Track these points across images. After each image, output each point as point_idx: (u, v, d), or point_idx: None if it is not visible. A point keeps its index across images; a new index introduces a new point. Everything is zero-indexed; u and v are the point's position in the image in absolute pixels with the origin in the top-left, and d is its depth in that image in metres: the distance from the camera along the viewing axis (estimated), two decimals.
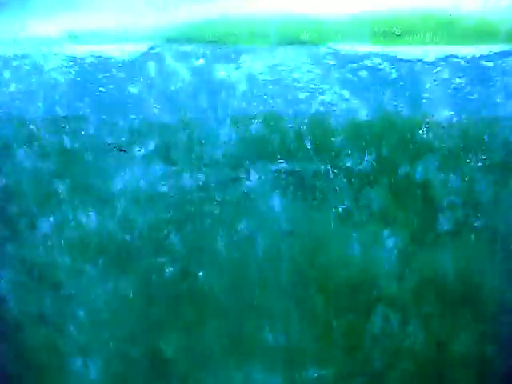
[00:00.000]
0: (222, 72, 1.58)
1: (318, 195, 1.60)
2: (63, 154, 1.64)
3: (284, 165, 1.59)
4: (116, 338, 1.71)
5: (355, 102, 1.55)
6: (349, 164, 1.58)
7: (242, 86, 1.58)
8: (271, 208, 1.61)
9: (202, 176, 1.61)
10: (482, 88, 1.53)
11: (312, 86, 1.56)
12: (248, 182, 1.61)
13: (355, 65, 1.54)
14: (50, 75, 1.61)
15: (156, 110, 1.60)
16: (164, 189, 1.63)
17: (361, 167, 1.58)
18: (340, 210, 1.60)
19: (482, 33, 1.51)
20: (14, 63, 1.62)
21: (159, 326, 1.70)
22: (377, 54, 1.53)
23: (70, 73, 1.61)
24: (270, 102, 1.57)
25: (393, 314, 1.63)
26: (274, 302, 1.66)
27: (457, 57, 1.52)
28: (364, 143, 1.56)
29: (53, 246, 1.68)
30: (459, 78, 1.53)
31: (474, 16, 1.52)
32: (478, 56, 1.52)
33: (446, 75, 1.53)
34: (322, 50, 1.55)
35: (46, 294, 1.71)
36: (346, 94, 1.55)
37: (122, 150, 1.63)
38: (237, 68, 1.58)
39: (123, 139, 1.62)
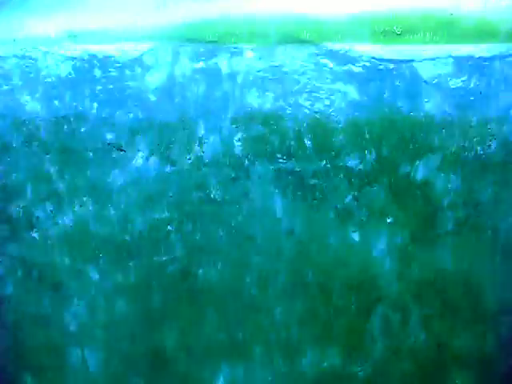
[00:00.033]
0: (222, 71, 1.58)
1: (318, 195, 1.60)
2: (63, 153, 1.64)
3: (284, 164, 1.59)
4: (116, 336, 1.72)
5: (355, 102, 1.55)
6: (349, 163, 1.57)
7: (242, 86, 1.58)
8: (271, 207, 1.61)
9: (201, 175, 1.61)
10: (482, 87, 1.53)
11: (312, 85, 1.56)
12: (248, 182, 1.61)
13: (356, 64, 1.54)
14: (49, 75, 1.61)
15: (156, 109, 1.60)
16: (163, 188, 1.63)
17: (361, 166, 1.57)
18: (340, 209, 1.60)
19: (482, 32, 1.51)
20: (14, 63, 1.62)
21: (159, 325, 1.70)
22: (377, 53, 1.53)
23: (70, 72, 1.61)
24: (270, 101, 1.57)
25: (392, 314, 1.63)
26: (274, 301, 1.65)
27: (457, 56, 1.52)
28: (364, 142, 1.56)
29: (51, 245, 1.68)
30: (460, 77, 1.53)
31: (474, 16, 1.52)
32: (477, 55, 1.52)
33: (446, 74, 1.53)
34: (323, 49, 1.55)
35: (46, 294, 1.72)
36: (347, 93, 1.55)
37: (121, 150, 1.63)
38: (237, 68, 1.57)
39: (123, 138, 1.61)
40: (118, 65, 1.60)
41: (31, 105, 1.63)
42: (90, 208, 1.65)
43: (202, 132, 1.60)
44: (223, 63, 1.58)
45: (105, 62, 1.60)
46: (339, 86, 1.55)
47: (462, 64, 1.52)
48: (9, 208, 1.68)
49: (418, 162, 1.56)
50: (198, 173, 1.61)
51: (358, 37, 1.53)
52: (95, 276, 1.68)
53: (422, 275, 1.61)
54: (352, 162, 1.57)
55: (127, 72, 1.60)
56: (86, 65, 1.61)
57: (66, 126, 1.63)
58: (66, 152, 1.64)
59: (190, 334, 1.68)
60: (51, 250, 1.68)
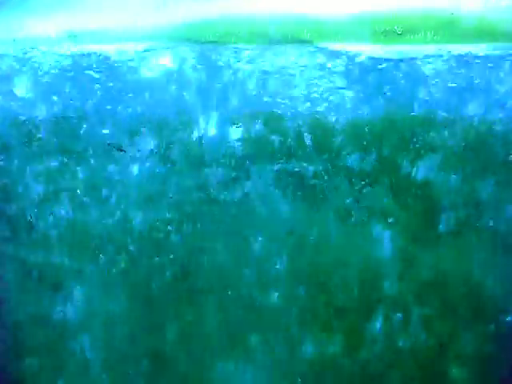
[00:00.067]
0: (222, 71, 1.58)
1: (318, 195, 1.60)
2: (63, 153, 1.64)
3: (284, 165, 1.59)
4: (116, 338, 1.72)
5: (356, 102, 1.55)
6: (349, 163, 1.57)
7: (243, 86, 1.57)
8: (271, 208, 1.61)
9: (201, 176, 1.61)
10: (484, 87, 1.53)
11: (313, 85, 1.56)
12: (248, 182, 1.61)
13: (356, 64, 1.54)
14: (49, 75, 1.61)
15: (156, 109, 1.60)
16: (163, 188, 1.62)
17: (362, 166, 1.57)
18: (341, 209, 1.60)
19: (483, 32, 1.51)
20: (14, 63, 1.62)
21: (159, 326, 1.69)
22: (378, 53, 1.53)
23: (70, 72, 1.61)
24: (271, 101, 1.57)
25: (392, 314, 1.63)
26: (275, 301, 1.65)
27: (458, 56, 1.52)
28: (365, 142, 1.56)
29: (51, 245, 1.68)
30: (461, 77, 1.53)
31: (476, 15, 1.52)
32: (479, 55, 1.52)
33: (447, 74, 1.53)
34: (323, 49, 1.55)
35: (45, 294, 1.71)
36: (347, 93, 1.55)
37: (121, 150, 1.62)
38: (237, 68, 1.57)
39: (122, 138, 1.61)
40: (118, 65, 1.59)
41: (31, 105, 1.62)
42: (90, 208, 1.65)
43: (202, 132, 1.60)
44: (223, 63, 1.58)
45: (105, 62, 1.60)
46: (340, 85, 1.55)
47: (463, 64, 1.52)
48: (8, 208, 1.68)
49: (419, 162, 1.56)
50: (197, 173, 1.61)
51: (358, 37, 1.53)
52: (95, 277, 1.68)
53: (423, 275, 1.61)
54: (353, 162, 1.57)
55: (127, 72, 1.59)
56: (86, 65, 1.60)
57: (65, 126, 1.62)
58: (65, 152, 1.63)
59: (190, 335, 1.68)
60: (50, 250, 1.68)
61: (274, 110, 1.57)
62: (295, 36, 1.55)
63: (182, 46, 1.58)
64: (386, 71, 1.54)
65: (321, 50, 1.55)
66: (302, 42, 1.55)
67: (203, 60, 1.58)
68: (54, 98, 1.62)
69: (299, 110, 1.56)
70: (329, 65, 1.55)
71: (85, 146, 1.63)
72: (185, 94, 1.59)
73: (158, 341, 1.70)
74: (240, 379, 1.69)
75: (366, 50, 1.53)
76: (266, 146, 1.58)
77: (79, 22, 1.61)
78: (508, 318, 1.62)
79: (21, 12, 1.64)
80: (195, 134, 1.60)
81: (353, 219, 1.60)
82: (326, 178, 1.59)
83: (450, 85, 1.53)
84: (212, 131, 1.59)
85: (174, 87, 1.59)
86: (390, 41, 1.53)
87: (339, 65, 1.55)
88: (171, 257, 1.65)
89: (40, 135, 1.63)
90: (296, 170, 1.59)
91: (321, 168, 1.58)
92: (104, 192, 1.64)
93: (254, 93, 1.57)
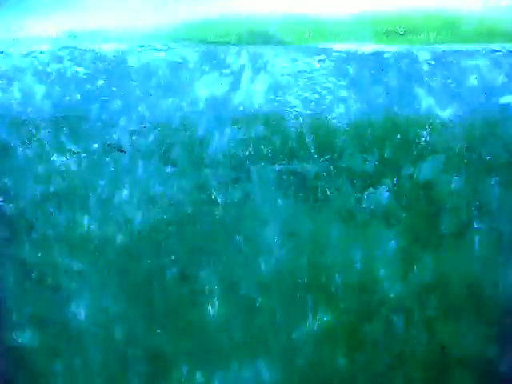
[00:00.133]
0: (222, 71, 1.57)
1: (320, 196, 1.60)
2: (62, 153, 1.63)
3: (285, 166, 1.58)
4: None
5: (358, 102, 1.55)
6: (351, 165, 1.57)
7: (243, 86, 1.57)
8: (272, 209, 1.61)
9: (202, 177, 1.61)
10: (485, 87, 1.53)
11: (314, 85, 1.55)
12: (249, 183, 1.60)
13: (358, 64, 1.54)
14: (49, 75, 1.60)
15: (157, 109, 1.59)
16: (164, 189, 1.62)
17: (364, 168, 1.57)
18: (343, 210, 1.60)
19: (486, 32, 1.52)
20: (13, 62, 1.61)
21: (159, 328, 1.69)
22: (380, 54, 1.53)
23: (69, 72, 1.60)
24: (272, 102, 1.57)
25: (395, 316, 1.63)
26: (275, 303, 1.65)
27: (461, 56, 1.52)
28: (367, 143, 1.56)
29: (50, 246, 1.67)
30: (462, 77, 1.53)
31: (478, 15, 1.53)
32: (481, 55, 1.52)
33: (450, 74, 1.53)
34: (325, 49, 1.54)
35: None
36: (349, 93, 1.55)
37: (121, 151, 1.62)
38: (237, 68, 1.57)
39: (123, 139, 1.61)
40: (118, 65, 1.59)
41: (30, 105, 1.62)
42: (90, 209, 1.64)
43: (202, 133, 1.59)
44: (223, 63, 1.57)
45: (105, 62, 1.59)
46: (341, 86, 1.55)
47: (465, 64, 1.52)
48: (7, 209, 1.67)
49: (421, 163, 1.56)
50: (198, 174, 1.61)
51: (360, 37, 1.53)
52: (95, 277, 1.67)
53: (425, 277, 1.61)
54: (354, 163, 1.57)
55: (127, 72, 1.59)
56: (86, 65, 1.60)
57: (65, 127, 1.62)
58: (65, 152, 1.63)
59: (191, 336, 1.68)
60: (50, 251, 1.67)
61: (275, 111, 1.57)
62: (296, 36, 1.55)
63: (182, 46, 1.58)
64: (388, 72, 1.54)
65: (322, 50, 1.55)
66: (304, 42, 1.55)
67: (203, 60, 1.58)
68: (54, 97, 1.61)
69: (300, 110, 1.56)
70: (330, 65, 1.55)
71: (85, 147, 1.62)
72: (185, 93, 1.58)
73: (158, 342, 1.69)
74: (240, 380, 1.69)
75: (368, 50, 1.53)
76: (267, 146, 1.58)
77: (79, 21, 1.60)
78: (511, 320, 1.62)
79: (20, 12, 1.63)
80: (196, 135, 1.59)
81: (355, 220, 1.60)
82: (328, 179, 1.59)
83: (453, 85, 1.53)
84: (212, 131, 1.59)
85: (174, 87, 1.58)
86: (392, 41, 1.53)
87: (341, 65, 1.54)
88: (171, 258, 1.65)
89: (40, 135, 1.62)
90: (298, 171, 1.59)
91: (323, 169, 1.58)
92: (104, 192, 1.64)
93: (254, 93, 1.57)
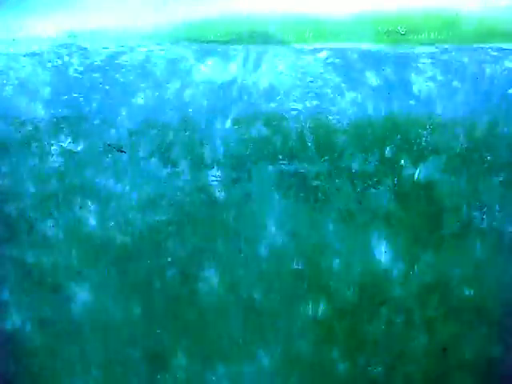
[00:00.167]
0: (222, 71, 1.57)
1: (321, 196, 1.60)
2: (62, 153, 1.63)
3: (286, 166, 1.58)
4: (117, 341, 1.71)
5: (359, 102, 1.55)
6: (353, 165, 1.57)
7: (243, 86, 1.57)
8: (273, 209, 1.61)
9: (202, 177, 1.60)
10: (488, 87, 1.53)
11: (315, 85, 1.55)
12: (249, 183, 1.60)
13: (359, 64, 1.54)
14: (48, 75, 1.60)
15: (156, 109, 1.59)
16: (164, 189, 1.62)
17: (365, 168, 1.57)
18: (343, 211, 1.60)
19: (487, 32, 1.52)
20: (13, 62, 1.61)
21: (160, 328, 1.69)
22: (381, 53, 1.53)
23: (69, 72, 1.60)
24: (272, 102, 1.57)
25: (395, 317, 1.62)
26: (276, 304, 1.64)
27: (462, 56, 1.52)
28: (368, 143, 1.56)
29: (50, 246, 1.67)
30: (465, 77, 1.53)
31: (479, 15, 1.53)
32: (483, 55, 1.52)
33: (451, 74, 1.53)
34: (325, 49, 1.54)
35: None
36: (350, 94, 1.55)
37: (121, 151, 1.62)
38: (237, 68, 1.57)
39: (123, 139, 1.60)
40: (117, 64, 1.59)
41: (30, 105, 1.61)
42: (90, 209, 1.64)
43: (202, 132, 1.59)
44: (224, 63, 1.57)
45: (104, 62, 1.59)
46: (342, 86, 1.55)
47: (466, 64, 1.52)
48: (7, 209, 1.66)
49: (422, 164, 1.56)
50: (198, 174, 1.61)
51: (361, 37, 1.53)
52: (95, 278, 1.67)
53: (426, 278, 1.60)
54: (355, 164, 1.57)
55: (127, 72, 1.59)
56: (86, 64, 1.59)
57: (65, 127, 1.61)
58: (65, 152, 1.63)
59: (191, 337, 1.68)
60: (50, 251, 1.67)
61: (276, 111, 1.57)
62: (297, 36, 1.55)
63: (182, 46, 1.58)
64: (389, 71, 1.53)
65: (323, 50, 1.54)
66: (304, 42, 1.55)
67: (203, 60, 1.57)
68: (54, 97, 1.61)
69: (301, 110, 1.56)
70: (331, 65, 1.55)
71: (85, 147, 1.62)
72: (185, 93, 1.58)
73: (158, 343, 1.69)
74: (240, 381, 1.69)
75: (369, 49, 1.53)
76: (268, 146, 1.58)
77: (79, 21, 1.60)
78: None
79: (20, 12, 1.63)
80: (196, 134, 1.59)
81: (355, 221, 1.60)
82: (328, 179, 1.59)
83: (454, 85, 1.53)
84: (213, 131, 1.59)
85: (174, 87, 1.58)
86: (393, 41, 1.53)
87: (341, 65, 1.54)
88: (171, 259, 1.65)
89: (40, 135, 1.62)
90: (299, 171, 1.58)
91: (323, 169, 1.58)
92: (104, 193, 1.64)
93: (255, 93, 1.57)
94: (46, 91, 1.61)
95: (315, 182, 1.59)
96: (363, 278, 1.61)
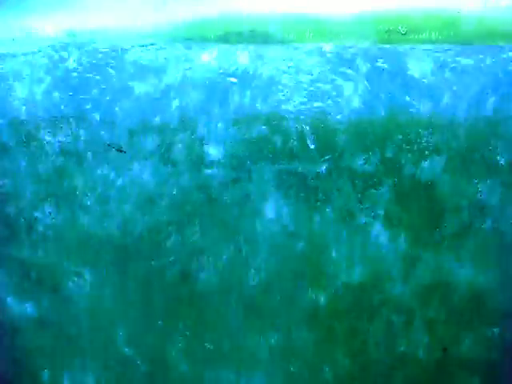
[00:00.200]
0: (222, 71, 1.57)
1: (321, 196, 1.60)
2: (62, 153, 1.62)
3: (286, 166, 1.58)
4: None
5: (359, 102, 1.55)
6: (354, 164, 1.57)
7: (244, 86, 1.57)
8: (273, 209, 1.61)
9: (202, 177, 1.60)
10: (489, 88, 1.53)
11: (315, 85, 1.55)
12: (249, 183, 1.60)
13: (359, 64, 1.54)
14: (48, 74, 1.60)
15: (156, 109, 1.59)
16: (164, 189, 1.62)
17: (367, 167, 1.57)
18: (344, 211, 1.60)
19: (488, 32, 1.52)
20: (13, 62, 1.60)
21: (160, 328, 1.68)
22: (382, 53, 1.53)
23: (69, 72, 1.60)
24: (272, 101, 1.56)
25: (396, 317, 1.62)
26: (276, 304, 1.64)
27: (463, 56, 1.52)
28: (369, 143, 1.56)
29: (50, 246, 1.67)
30: (466, 77, 1.53)
31: (481, 15, 1.53)
32: (484, 55, 1.52)
33: (452, 74, 1.53)
34: (326, 49, 1.54)
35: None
36: (350, 93, 1.55)
37: (121, 151, 1.61)
38: (238, 67, 1.57)
39: (122, 139, 1.60)
40: (117, 64, 1.58)
41: (29, 104, 1.61)
42: (89, 209, 1.64)
43: (202, 132, 1.59)
44: (224, 63, 1.57)
45: (104, 62, 1.59)
46: (342, 86, 1.55)
47: (468, 64, 1.52)
48: (6, 209, 1.66)
49: (423, 164, 1.56)
50: (198, 174, 1.60)
51: (361, 36, 1.53)
52: (95, 278, 1.66)
53: (426, 278, 1.60)
54: (356, 163, 1.57)
55: (127, 71, 1.58)
56: (86, 64, 1.59)
57: (64, 127, 1.61)
58: (65, 152, 1.62)
59: (191, 338, 1.67)
60: (50, 251, 1.67)
61: (276, 111, 1.57)
62: (297, 36, 1.55)
63: (182, 45, 1.57)
64: (390, 71, 1.53)
65: (323, 49, 1.54)
66: (305, 41, 1.54)
67: (203, 59, 1.57)
68: (54, 97, 1.60)
69: (301, 110, 1.56)
70: (331, 65, 1.54)
71: (85, 146, 1.61)
72: (185, 93, 1.58)
73: (158, 343, 1.69)
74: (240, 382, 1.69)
75: (370, 49, 1.53)
76: (268, 146, 1.58)
77: (79, 21, 1.60)
78: None
79: (20, 11, 1.63)
80: (196, 135, 1.59)
81: (356, 221, 1.60)
82: (329, 179, 1.59)
83: (455, 85, 1.53)
84: (213, 131, 1.59)
85: (174, 87, 1.58)
86: (394, 40, 1.52)
87: (342, 65, 1.54)
88: (171, 259, 1.64)
89: (40, 135, 1.62)
90: (299, 171, 1.58)
91: (324, 169, 1.58)
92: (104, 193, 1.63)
93: (255, 93, 1.57)
94: (46, 91, 1.60)
95: (315, 182, 1.58)
96: (364, 277, 1.61)
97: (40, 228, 1.66)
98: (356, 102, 1.55)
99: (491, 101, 1.53)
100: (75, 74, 1.59)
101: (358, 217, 1.59)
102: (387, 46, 1.53)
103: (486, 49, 1.52)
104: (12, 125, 1.62)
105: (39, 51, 1.60)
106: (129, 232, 1.64)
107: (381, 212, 1.58)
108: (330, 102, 1.55)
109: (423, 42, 1.52)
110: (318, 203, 1.59)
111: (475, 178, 1.56)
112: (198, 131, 1.59)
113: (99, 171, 1.62)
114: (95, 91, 1.59)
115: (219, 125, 1.58)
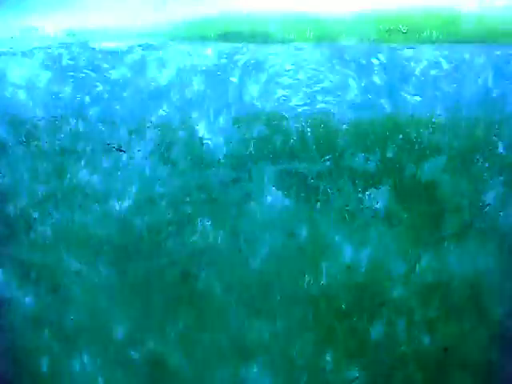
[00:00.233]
0: (223, 71, 1.57)
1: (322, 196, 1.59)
2: (62, 153, 1.62)
3: (287, 165, 1.58)
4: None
5: (360, 102, 1.54)
6: (354, 164, 1.57)
7: (244, 85, 1.57)
8: (273, 209, 1.61)
9: (202, 176, 1.60)
10: (490, 88, 1.53)
11: (316, 85, 1.55)
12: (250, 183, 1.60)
13: (360, 63, 1.54)
14: (48, 74, 1.60)
15: (156, 108, 1.59)
16: (163, 189, 1.61)
17: (366, 167, 1.57)
18: (344, 210, 1.60)
19: (488, 32, 1.52)
20: (12, 61, 1.61)
21: (159, 328, 1.68)
22: (383, 52, 1.53)
23: (69, 71, 1.60)
24: (273, 101, 1.56)
25: (396, 318, 1.62)
26: (276, 305, 1.64)
27: (464, 55, 1.52)
28: (369, 142, 1.56)
29: (50, 246, 1.67)
30: (466, 77, 1.53)
31: (481, 15, 1.53)
32: (484, 55, 1.52)
33: (452, 74, 1.53)
34: (326, 48, 1.54)
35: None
36: (351, 93, 1.55)
37: (120, 150, 1.61)
38: (238, 67, 1.57)
39: (122, 138, 1.60)
40: (117, 63, 1.58)
41: (29, 104, 1.61)
42: (89, 209, 1.64)
43: (202, 132, 1.59)
44: (224, 62, 1.57)
45: (104, 61, 1.59)
46: (343, 85, 1.55)
47: (469, 64, 1.52)
48: (6, 209, 1.66)
49: (423, 163, 1.56)
50: (198, 173, 1.60)
51: (362, 35, 1.53)
52: (95, 278, 1.66)
53: (427, 278, 1.60)
54: (356, 163, 1.57)
55: (127, 71, 1.58)
56: (86, 63, 1.59)
57: (64, 126, 1.61)
58: (64, 152, 1.62)
59: (191, 338, 1.67)
60: (49, 251, 1.67)
61: (277, 110, 1.56)
62: (298, 35, 1.55)
63: (182, 45, 1.57)
64: (391, 70, 1.53)
65: (324, 49, 1.54)
66: (305, 41, 1.54)
67: (203, 59, 1.57)
68: (54, 96, 1.61)
69: (302, 109, 1.56)
70: (332, 64, 1.54)
71: (85, 146, 1.61)
72: (185, 92, 1.58)
73: (158, 344, 1.69)
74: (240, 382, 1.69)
75: (371, 48, 1.53)
76: (268, 146, 1.58)
77: (78, 20, 1.60)
78: None
79: (20, 11, 1.63)
80: (196, 134, 1.59)
81: (356, 220, 1.59)
82: (329, 179, 1.58)
83: (455, 85, 1.53)
84: (213, 131, 1.59)
85: (174, 86, 1.58)
86: (395, 39, 1.52)
87: (342, 64, 1.54)
88: (171, 258, 1.64)
89: (39, 134, 1.62)
90: (299, 170, 1.58)
91: (324, 169, 1.58)
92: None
93: (255, 92, 1.57)
94: (46, 90, 1.60)
95: (316, 182, 1.58)
96: (364, 277, 1.61)
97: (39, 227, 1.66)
98: (356, 102, 1.54)
99: (491, 98, 1.53)
100: (75, 73, 1.60)
101: (358, 216, 1.59)
102: (388, 45, 1.52)
103: (485, 47, 1.51)
104: (11, 124, 1.62)
105: (39, 50, 1.60)
106: (128, 232, 1.64)
107: (381, 212, 1.58)
108: (330, 101, 1.55)
109: (424, 40, 1.52)
110: (319, 203, 1.59)
111: (473, 178, 1.56)
112: (198, 130, 1.59)
113: (99, 170, 1.62)
114: (95, 90, 1.59)
115: (220, 124, 1.58)
